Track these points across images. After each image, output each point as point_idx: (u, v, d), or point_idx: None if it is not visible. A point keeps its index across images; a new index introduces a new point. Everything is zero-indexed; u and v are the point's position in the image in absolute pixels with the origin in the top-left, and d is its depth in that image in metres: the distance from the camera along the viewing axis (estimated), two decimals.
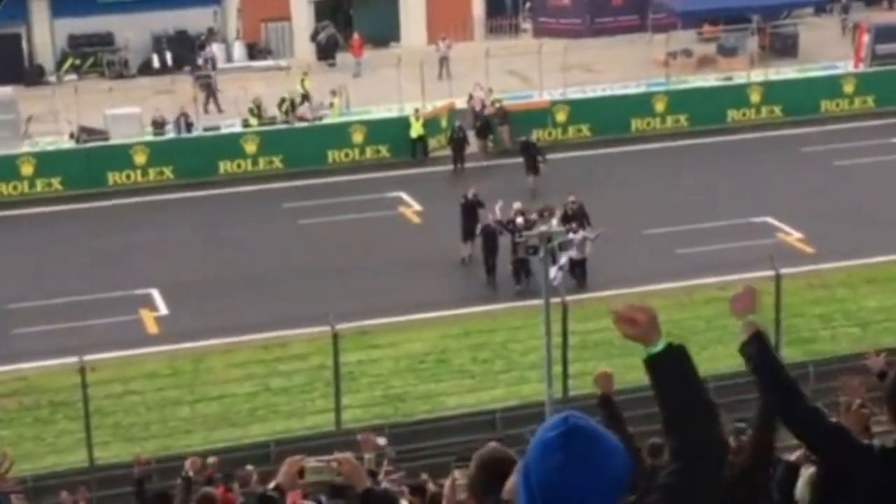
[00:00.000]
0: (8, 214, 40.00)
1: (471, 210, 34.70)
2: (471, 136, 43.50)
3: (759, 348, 5.32)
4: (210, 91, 48.81)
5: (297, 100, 46.44)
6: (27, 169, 41.87)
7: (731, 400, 18.55)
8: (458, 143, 42.85)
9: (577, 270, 32.90)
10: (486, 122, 44.23)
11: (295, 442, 23.68)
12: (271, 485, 5.19)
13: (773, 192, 38.54)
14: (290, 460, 5.03)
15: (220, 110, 48.11)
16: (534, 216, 32.93)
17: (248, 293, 33.17)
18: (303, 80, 47.45)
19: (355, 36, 54.99)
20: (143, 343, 30.91)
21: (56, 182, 41.86)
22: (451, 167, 42.45)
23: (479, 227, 33.82)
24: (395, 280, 33.52)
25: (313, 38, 56.37)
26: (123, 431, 26.55)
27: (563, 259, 32.26)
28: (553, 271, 31.09)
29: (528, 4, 60.65)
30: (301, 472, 5.03)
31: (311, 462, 5.05)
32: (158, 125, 44.16)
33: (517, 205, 33.67)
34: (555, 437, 3.86)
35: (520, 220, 32.80)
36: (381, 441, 18.14)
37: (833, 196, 38.19)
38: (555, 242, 23.23)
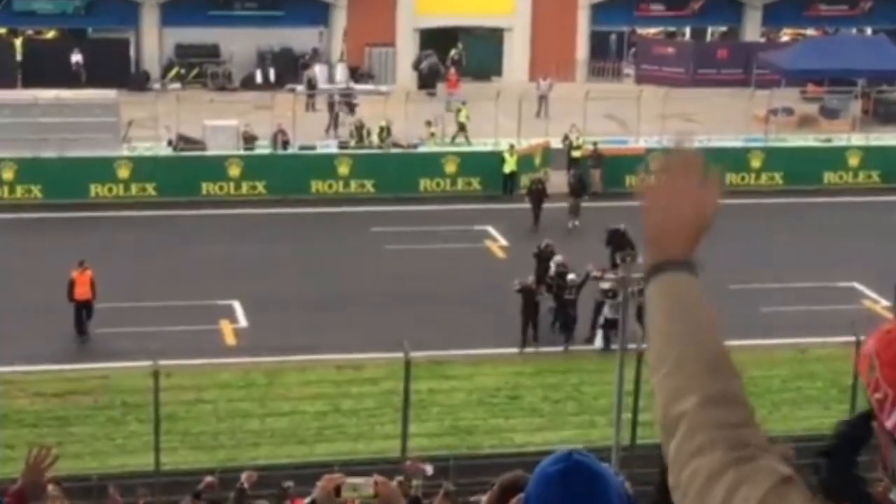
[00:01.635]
0: (101, 216, 40.60)
1: (543, 261, 33.88)
2: (557, 175, 43.11)
3: None
4: (334, 112, 49.25)
5: (457, 127, 47.37)
6: (124, 172, 42.49)
7: (804, 462, 18.25)
8: (536, 195, 41.03)
9: (612, 331, 30.26)
10: (580, 180, 42.51)
11: (359, 465, 23.72)
12: (307, 500, 5.24)
13: (863, 258, 38.03)
14: (328, 477, 5.08)
15: (329, 130, 48.42)
16: (573, 276, 31.95)
17: (328, 313, 33.35)
18: (459, 111, 47.91)
19: (451, 70, 55.25)
20: (220, 353, 31.18)
21: (150, 188, 42.44)
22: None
23: (517, 284, 32.09)
24: (474, 313, 33.52)
25: (415, 66, 56.72)
26: (192, 439, 26.77)
27: (601, 319, 31.70)
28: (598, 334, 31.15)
29: (632, 50, 60.64)
30: (338, 490, 5.08)
31: (349, 480, 5.10)
32: (248, 140, 44.58)
33: (559, 258, 32.74)
34: (555, 472, 3.83)
35: (571, 277, 32.06)
36: (428, 468, 18.18)
37: None
38: (632, 289, 23.05)
